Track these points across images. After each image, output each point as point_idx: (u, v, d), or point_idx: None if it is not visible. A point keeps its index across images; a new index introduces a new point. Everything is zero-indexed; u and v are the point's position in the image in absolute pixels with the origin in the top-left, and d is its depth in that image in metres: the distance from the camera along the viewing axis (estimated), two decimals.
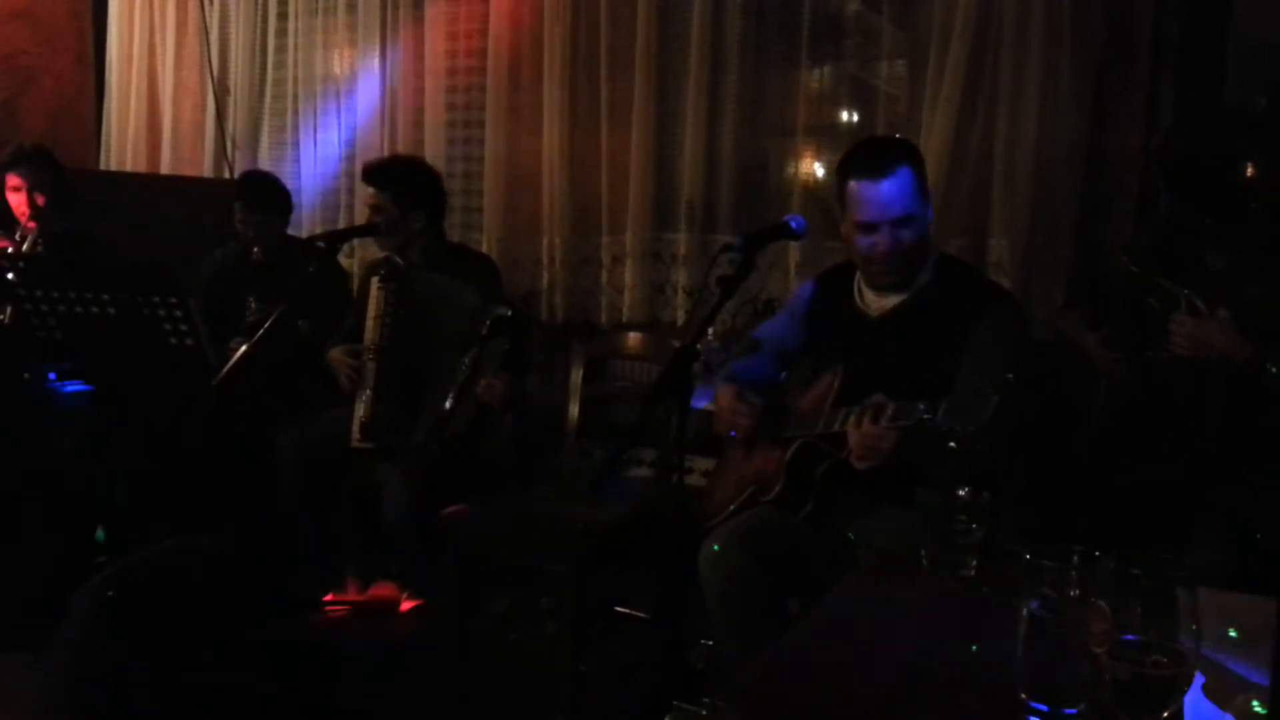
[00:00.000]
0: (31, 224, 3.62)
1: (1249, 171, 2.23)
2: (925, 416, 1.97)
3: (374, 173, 3.33)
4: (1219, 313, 2.22)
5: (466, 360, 3.06)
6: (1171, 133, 2.55)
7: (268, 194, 3.73)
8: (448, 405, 3.05)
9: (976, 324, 2.20)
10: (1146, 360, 2.37)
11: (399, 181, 3.27)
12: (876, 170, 2.27)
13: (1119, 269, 2.53)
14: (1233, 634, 1.34)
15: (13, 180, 3.65)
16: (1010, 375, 1.87)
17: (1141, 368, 2.40)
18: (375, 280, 3.24)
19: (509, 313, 3.09)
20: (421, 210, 3.28)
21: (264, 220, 3.68)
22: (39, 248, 3.60)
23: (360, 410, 3.20)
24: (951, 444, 1.89)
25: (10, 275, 3.18)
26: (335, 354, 3.29)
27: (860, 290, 2.42)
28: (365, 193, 3.31)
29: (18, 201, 3.65)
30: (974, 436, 1.86)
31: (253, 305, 3.45)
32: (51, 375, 3.48)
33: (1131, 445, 2.45)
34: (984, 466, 1.97)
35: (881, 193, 2.26)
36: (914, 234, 2.29)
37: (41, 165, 3.69)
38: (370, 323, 3.21)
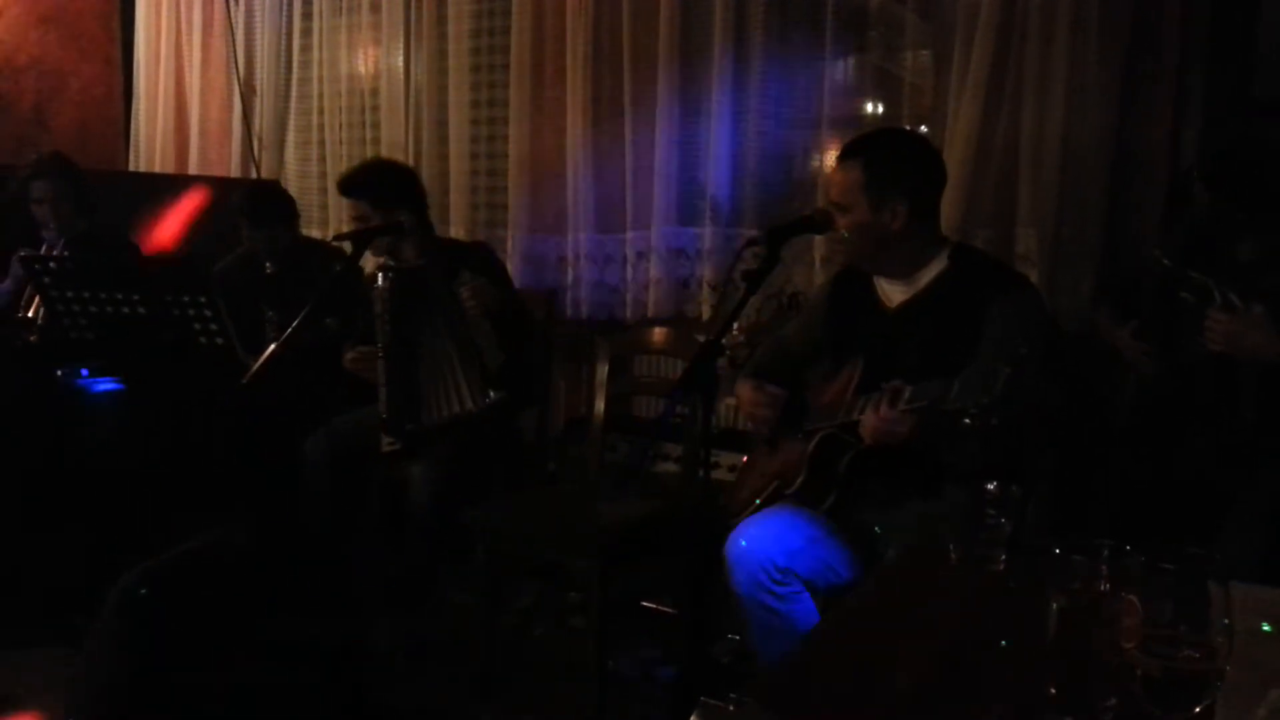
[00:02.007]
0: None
1: None
2: (939, 396, 1.96)
3: (346, 185, 3.32)
4: (1254, 308, 2.19)
5: (436, 322, 3.12)
6: (1213, 127, 2.53)
7: (271, 208, 3.72)
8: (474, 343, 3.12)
9: (993, 310, 2.19)
10: (1179, 354, 2.35)
11: (374, 186, 3.25)
12: (840, 154, 2.37)
13: (1150, 262, 2.51)
14: (1266, 628, 1.33)
15: (37, 192, 3.69)
16: (1024, 350, 1.86)
17: (1172, 361, 2.38)
18: (374, 285, 3.27)
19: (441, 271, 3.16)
20: (403, 206, 3.27)
21: (271, 234, 3.69)
22: (64, 250, 3.65)
23: (381, 413, 3.23)
24: (965, 420, 1.88)
25: (46, 279, 3.21)
26: (351, 355, 3.32)
27: (878, 283, 2.42)
28: (345, 206, 3.31)
29: (42, 213, 3.69)
30: (986, 410, 1.85)
31: (270, 316, 3.47)
32: (84, 372, 3.52)
33: (1161, 438, 2.43)
34: (1000, 444, 1.96)
35: (834, 175, 2.38)
36: (849, 223, 2.31)
37: (63, 174, 3.73)
38: (376, 324, 3.24)
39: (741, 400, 2.59)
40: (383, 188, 3.27)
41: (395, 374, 3.20)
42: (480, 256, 3.37)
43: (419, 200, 3.37)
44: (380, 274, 3.25)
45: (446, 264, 3.20)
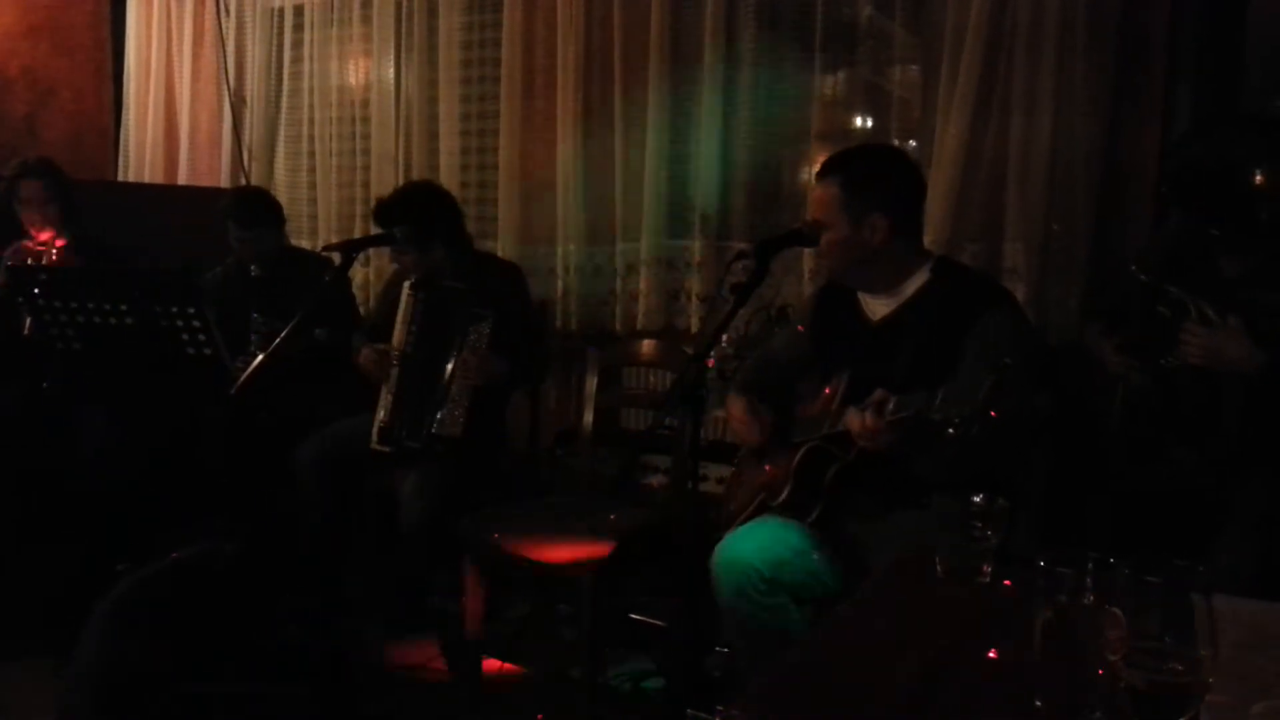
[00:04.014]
0: (46, 234, 3.63)
1: (1258, 179, 2.21)
2: (923, 406, 1.97)
3: (384, 220, 3.28)
4: (1230, 321, 2.20)
5: (452, 354, 3.10)
6: (1178, 143, 2.54)
7: (259, 210, 3.72)
8: (436, 399, 3.14)
9: (976, 324, 2.20)
10: (1160, 368, 2.36)
11: (411, 222, 3.23)
12: (819, 172, 2.38)
13: (1129, 277, 2.52)
14: (1250, 640, 1.33)
15: (24, 192, 3.67)
16: (1007, 360, 1.86)
17: (1156, 375, 2.39)
18: (406, 285, 3.27)
19: (480, 300, 3.16)
20: (438, 240, 3.28)
21: (258, 236, 3.68)
22: (56, 258, 3.64)
23: (380, 413, 3.23)
24: (949, 429, 1.89)
25: (37, 289, 3.19)
26: (365, 353, 3.31)
27: (862, 297, 2.43)
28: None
29: (29, 215, 3.66)
30: (968, 420, 1.86)
31: (257, 319, 3.47)
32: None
33: (1148, 450, 2.44)
34: (982, 455, 1.97)
35: (813, 192, 2.40)
36: (829, 240, 2.32)
37: (51, 177, 3.70)
38: (398, 328, 3.24)
39: (732, 417, 2.59)
40: (419, 222, 3.23)
41: (407, 385, 3.21)
42: (502, 290, 3.32)
43: (455, 225, 3.37)
44: (414, 285, 3.25)
45: (475, 302, 3.19)
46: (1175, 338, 2.28)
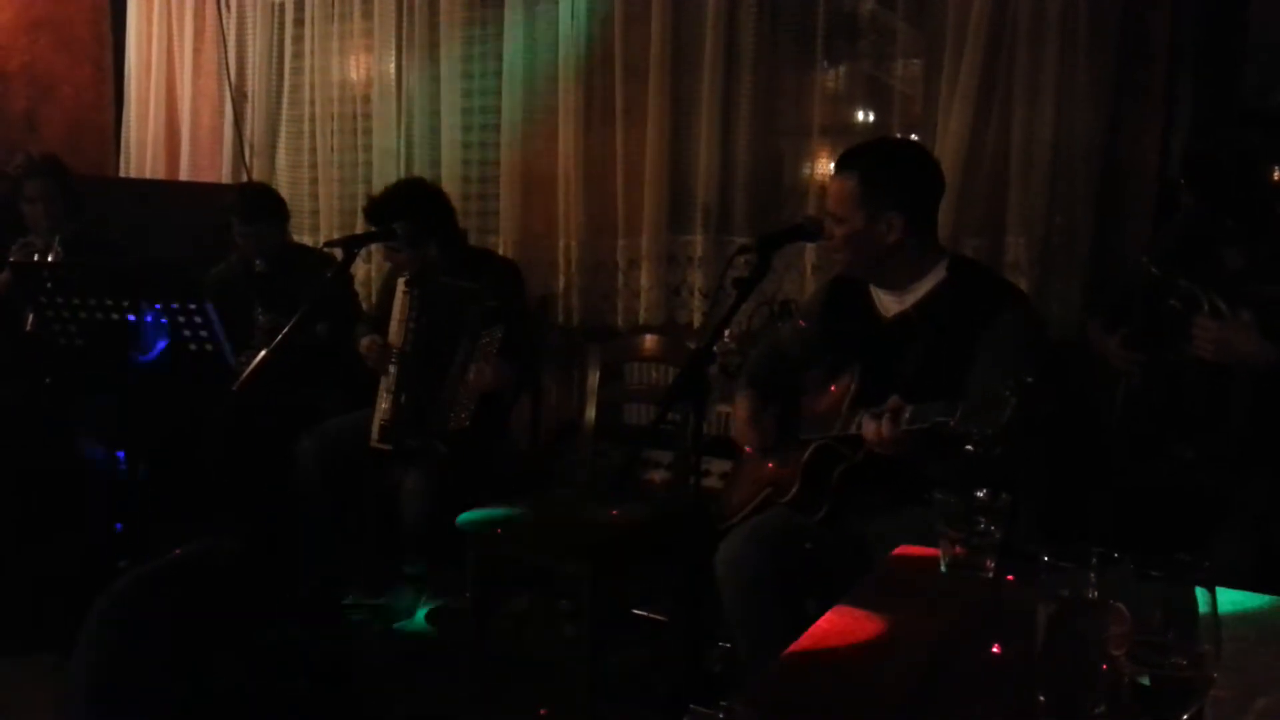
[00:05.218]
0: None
1: (1276, 175, 2.21)
2: (942, 420, 1.96)
3: (376, 219, 3.26)
4: (1242, 315, 2.19)
5: (459, 354, 3.10)
6: (1199, 134, 2.54)
7: (263, 206, 3.73)
8: (444, 398, 3.12)
9: (991, 325, 2.19)
10: (1167, 362, 2.35)
11: (408, 219, 3.21)
12: (838, 164, 2.36)
13: (1139, 270, 2.52)
14: (1253, 635, 1.33)
15: (29, 191, 3.67)
16: (1029, 378, 1.85)
17: (1162, 369, 2.38)
18: (401, 282, 3.26)
19: (494, 303, 3.13)
20: (432, 239, 3.27)
21: (261, 232, 3.68)
22: (60, 255, 3.64)
23: (380, 411, 3.22)
24: (968, 447, 1.87)
25: (49, 285, 3.19)
26: (366, 341, 3.30)
27: (875, 292, 2.42)
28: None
29: (34, 212, 3.67)
30: (990, 440, 1.85)
31: (260, 315, 3.47)
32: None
33: (1151, 446, 2.44)
34: (1001, 470, 1.96)
35: (831, 185, 2.37)
36: (844, 234, 2.30)
37: (55, 175, 3.72)
38: (395, 325, 3.24)
39: (737, 418, 2.58)
40: (413, 220, 3.21)
41: (407, 383, 3.19)
42: (501, 290, 3.27)
43: (449, 223, 3.36)
44: (409, 282, 3.24)
45: (475, 299, 3.16)
46: (1186, 331, 2.27)
